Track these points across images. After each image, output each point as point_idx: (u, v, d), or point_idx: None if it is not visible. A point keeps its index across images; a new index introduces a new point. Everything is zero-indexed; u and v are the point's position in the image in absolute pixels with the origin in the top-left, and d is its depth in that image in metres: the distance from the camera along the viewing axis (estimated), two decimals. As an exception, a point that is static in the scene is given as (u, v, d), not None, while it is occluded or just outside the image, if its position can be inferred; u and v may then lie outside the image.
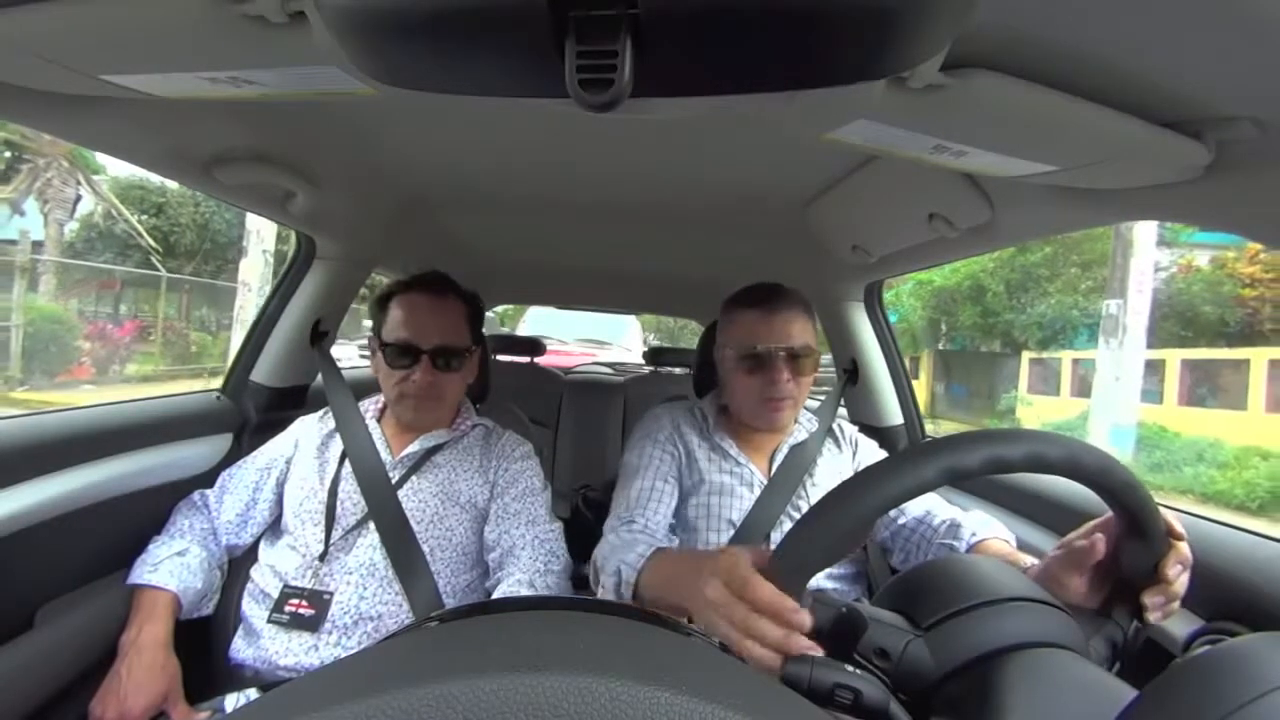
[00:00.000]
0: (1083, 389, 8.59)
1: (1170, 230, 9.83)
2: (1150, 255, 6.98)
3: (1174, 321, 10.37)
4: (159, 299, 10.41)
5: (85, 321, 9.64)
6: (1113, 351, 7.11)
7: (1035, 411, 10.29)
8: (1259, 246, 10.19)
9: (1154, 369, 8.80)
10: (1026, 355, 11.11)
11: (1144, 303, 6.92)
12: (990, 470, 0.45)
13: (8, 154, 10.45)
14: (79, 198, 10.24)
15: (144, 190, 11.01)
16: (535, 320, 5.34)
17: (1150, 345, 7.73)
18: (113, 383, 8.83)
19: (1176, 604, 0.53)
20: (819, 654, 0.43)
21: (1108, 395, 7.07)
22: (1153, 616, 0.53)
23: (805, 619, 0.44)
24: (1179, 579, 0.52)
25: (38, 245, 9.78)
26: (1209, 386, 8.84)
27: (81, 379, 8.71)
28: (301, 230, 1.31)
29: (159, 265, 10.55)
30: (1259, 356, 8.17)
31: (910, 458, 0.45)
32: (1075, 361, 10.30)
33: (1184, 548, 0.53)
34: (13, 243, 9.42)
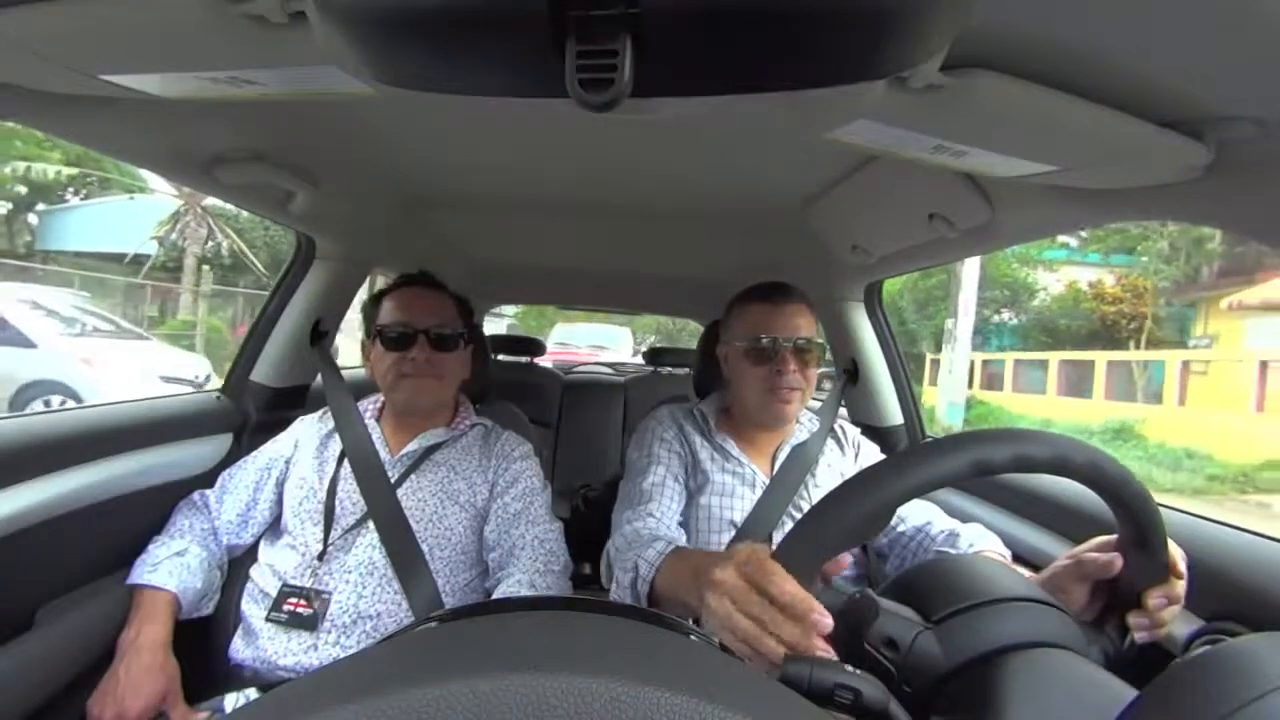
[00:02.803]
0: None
1: (1054, 251, 13.31)
2: (973, 289, 10.02)
3: (1039, 330, 13.75)
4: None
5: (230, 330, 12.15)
6: (948, 354, 10.20)
7: (925, 397, 13.81)
8: (1122, 270, 12.83)
9: (1011, 366, 13.05)
10: (929, 356, 13.76)
11: (968, 321, 10.09)
12: (1016, 468, 0.45)
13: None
14: (209, 234, 13.00)
15: (223, 217, 13.08)
16: (559, 332, 8.01)
17: (1030, 349, 12.50)
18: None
19: (1163, 629, 0.53)
20: (831, 656, 0.43)
21: (945, 383, 10.34)
22: (1138, 636, 0.53)
23: (828, 622, 0.43)
24: (1159, 611, 0.53)
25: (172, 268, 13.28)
26: (1028, 378, 12.55)
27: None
28: (301, 230, 1.31)
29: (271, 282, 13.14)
30: (1053, 357, 12.01)
31: (941, 449, 0.45)
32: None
33: (1179, 586, 0.53)
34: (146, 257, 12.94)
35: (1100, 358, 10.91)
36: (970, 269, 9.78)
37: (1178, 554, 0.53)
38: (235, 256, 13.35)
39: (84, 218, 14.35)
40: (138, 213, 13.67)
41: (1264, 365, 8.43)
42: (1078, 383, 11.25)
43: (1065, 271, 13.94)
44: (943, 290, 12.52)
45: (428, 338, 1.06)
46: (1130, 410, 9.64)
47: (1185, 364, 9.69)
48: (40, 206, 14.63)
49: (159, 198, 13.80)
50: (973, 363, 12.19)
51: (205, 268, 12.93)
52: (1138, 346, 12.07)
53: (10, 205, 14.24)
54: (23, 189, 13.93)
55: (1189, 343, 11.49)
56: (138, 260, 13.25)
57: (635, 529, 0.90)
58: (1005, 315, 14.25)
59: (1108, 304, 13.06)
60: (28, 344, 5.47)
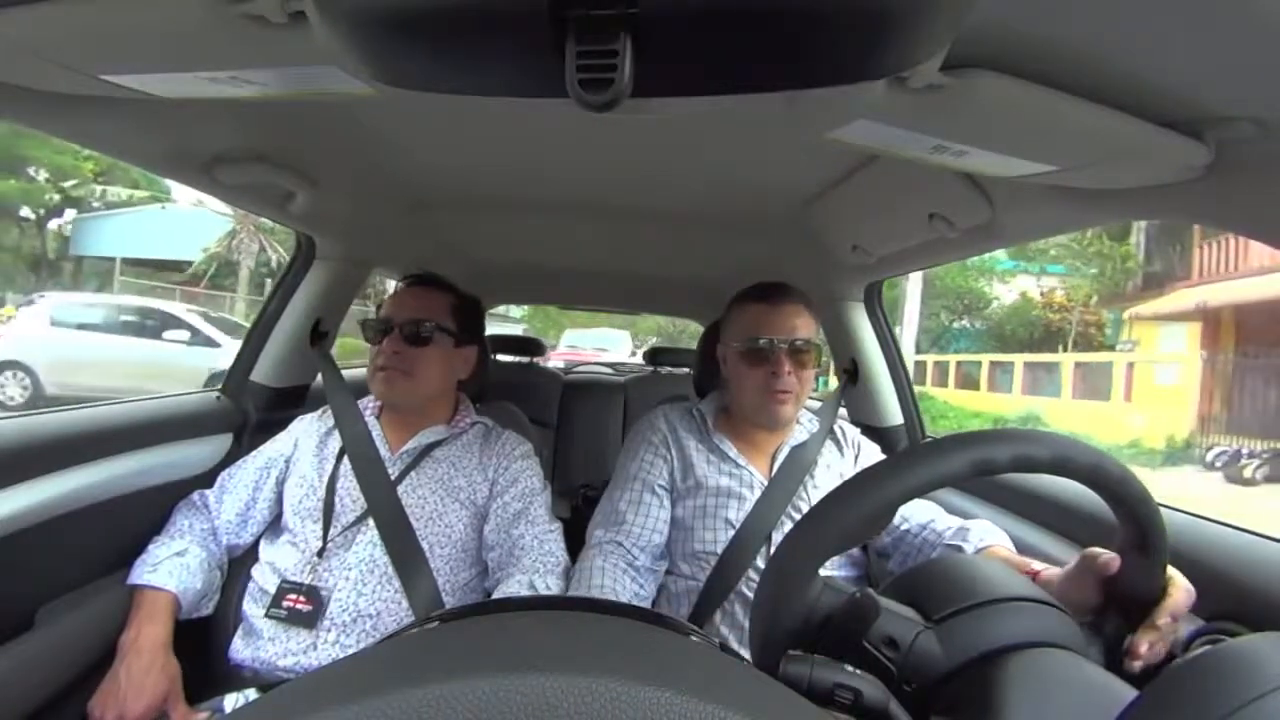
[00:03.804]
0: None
1: (1005, 262, 15.17)
2: (916, 303, 11.86)
3: (989, 336, 15.85)
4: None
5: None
6: (893, 357, 11.98)
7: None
8: (1056, 278, 15.16)
9: (954, 366, 15.42)
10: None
11: (912, 329, 11.96)
12: (1017, 468, 0.45)
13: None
14: (261, 248, 14.98)
15: (263, 230, 14.88)
16: (569, 336, 9.61)
17: (987, 351, 14.87)
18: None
19: (1162, 647, 0.53)
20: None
21: (891, 381, 12.17)
22: (1137, 665, 0.52)
23: None
24: (1168, 629, 0.53)
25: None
26: (968, 376, 14.58)
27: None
28: (301, 230, 1.31)
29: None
30: (985, 359, 14.28)
31: (941, 449, 0.45)
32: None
33: (1180, 601, 0.53)
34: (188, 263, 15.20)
35: (1018, 359, 13.42)
36: (914, 284, 11.72)
37: (1183, 583, 0.54)
38: (273, 266, 15.04)
39: (118, 226, 15.83)
40: (169, 221, 15.32)
41: (1130, 366, 10.93)
42: (1002, 380, 13.64)
43: (1019, 281, 15.85)
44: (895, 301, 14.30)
45: (400, 332, 1.07)
46: (1040, 402, 11.84)
47: (1077, 364, 12.08)
48: (70, 213, 15.92)
49: (182, 206, 15.53)
50: (926, 363, 15.24)
51: (269, 280, 14.97)
52: (1065, 350, 13.80)
53: (42, 211, 15.71)
54: (55, 196, 15.43)
55: (1117, 346, 13.22)
56: (176, 266, 15.30)
57: (590, 575, 0.95)
58: (965, 322, 16.23)
59: (1054, 312, 15.05)
60: (214, 344, 7.61)
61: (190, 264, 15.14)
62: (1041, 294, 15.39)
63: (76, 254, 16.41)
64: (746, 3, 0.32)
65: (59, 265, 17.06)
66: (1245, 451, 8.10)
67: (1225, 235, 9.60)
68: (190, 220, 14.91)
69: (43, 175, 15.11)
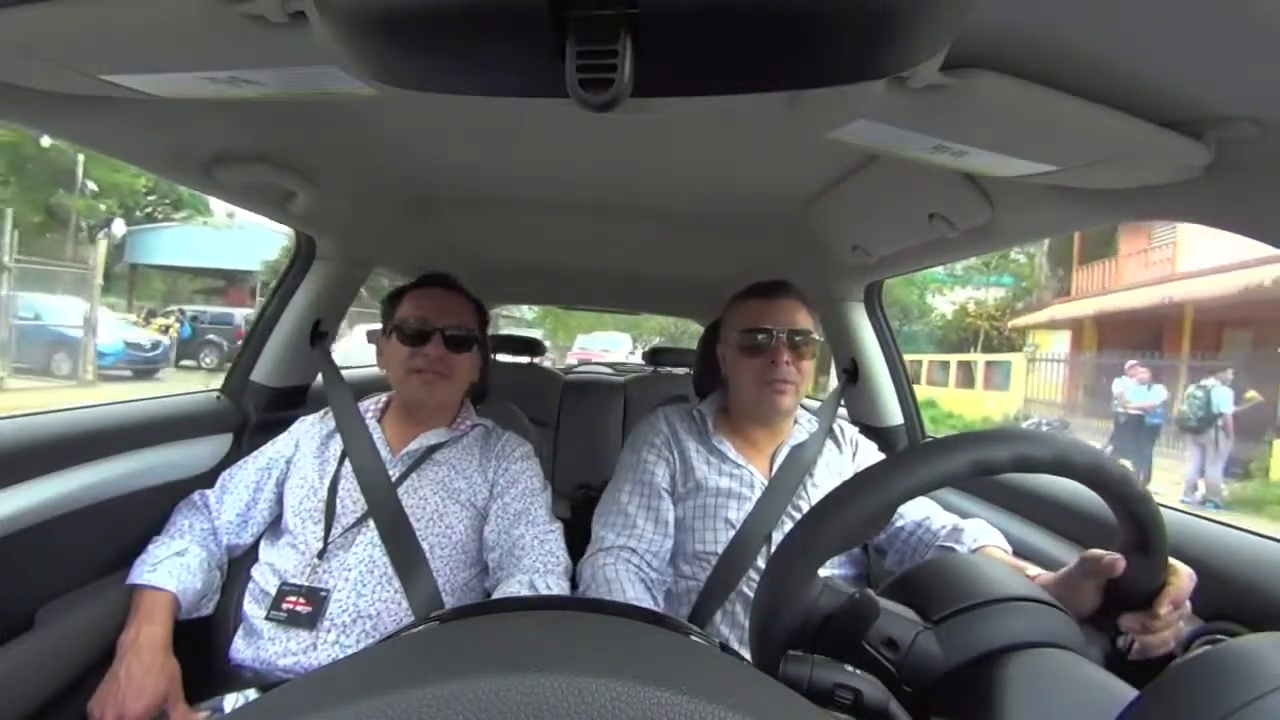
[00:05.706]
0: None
1: (943, 275, 17.01)
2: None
3: (925, 339, 18.01)
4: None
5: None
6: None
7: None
8: (993, 290, 17.41)
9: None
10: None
11: None
12: (1017, 468, 0.45)
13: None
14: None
15: None
16: (580, 340, 10.75)
17: (924, 352, 17.27)
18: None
19: (1169, 640, 0.54)
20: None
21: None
22: (1136, 648, 0.53)
23: None
24: (1169, 618, 0.53)
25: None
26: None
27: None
28: (301, 230, 1.31)
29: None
30: (920, 358, 16.74)
31: (942, 448, 0.46)
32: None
33: (1182, 588, 0.53)
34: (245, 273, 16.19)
35: (925, 359, 16.58)
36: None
37: (1184, 569, 0.54)
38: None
39: (172, 237, 17.06)
40: (216, 233, 16.34)
41: (989, 364, 14.63)
42: (915, 374, 15.62)
43: (954, 293, 18.35)
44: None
45: (443, 336, 1.07)
46: (936, 390, 15.06)
47: (962, 363, 15.56)
48: (118, 223, 16.93)
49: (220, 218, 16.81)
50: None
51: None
52: (976, 350, 16.61)
53: (92, 222, 16.40)
54: (102, 206, 16.16)
55: (1024, 348, 16.26)
56: (228, 275, 16.84)
57: (605, 573, 0.96)
58: (911, 327, 18.38)
59: (982, 320, 17.54)
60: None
61: (241, 273, 16.07)
62: (974, 304, 18.00)
63: (130, 263, 17.54)
64: (746, 3, 0.32)
65: (108, 272, 17.78)
66: (1044, 421, 11.52)
67: (1099, 260, 13.61)
68: (238, 233, 15.63)
69: (91, 187, 15.93)
